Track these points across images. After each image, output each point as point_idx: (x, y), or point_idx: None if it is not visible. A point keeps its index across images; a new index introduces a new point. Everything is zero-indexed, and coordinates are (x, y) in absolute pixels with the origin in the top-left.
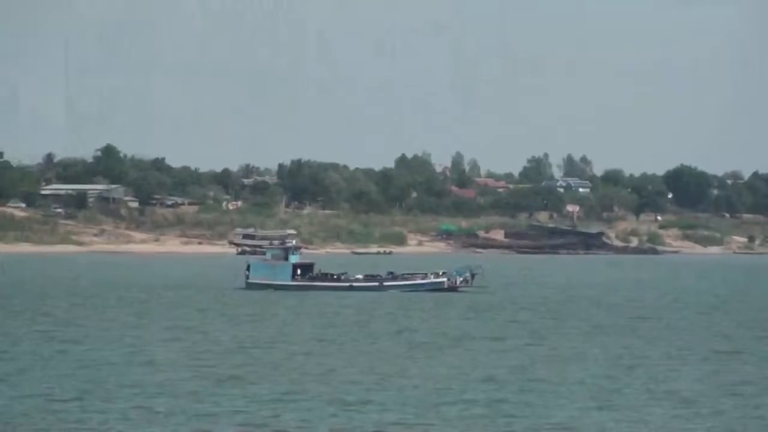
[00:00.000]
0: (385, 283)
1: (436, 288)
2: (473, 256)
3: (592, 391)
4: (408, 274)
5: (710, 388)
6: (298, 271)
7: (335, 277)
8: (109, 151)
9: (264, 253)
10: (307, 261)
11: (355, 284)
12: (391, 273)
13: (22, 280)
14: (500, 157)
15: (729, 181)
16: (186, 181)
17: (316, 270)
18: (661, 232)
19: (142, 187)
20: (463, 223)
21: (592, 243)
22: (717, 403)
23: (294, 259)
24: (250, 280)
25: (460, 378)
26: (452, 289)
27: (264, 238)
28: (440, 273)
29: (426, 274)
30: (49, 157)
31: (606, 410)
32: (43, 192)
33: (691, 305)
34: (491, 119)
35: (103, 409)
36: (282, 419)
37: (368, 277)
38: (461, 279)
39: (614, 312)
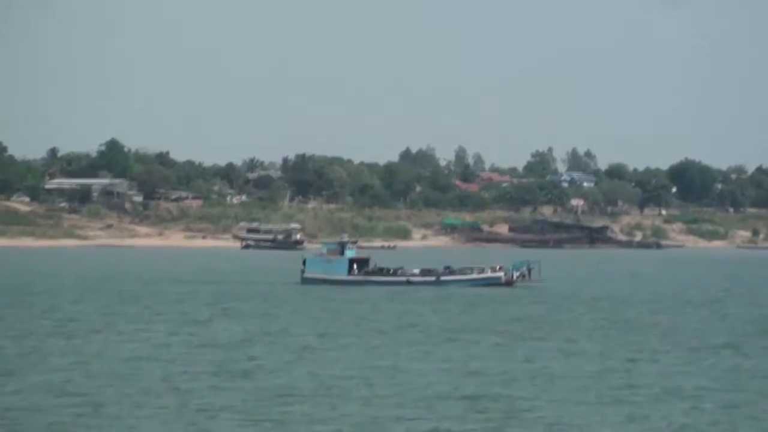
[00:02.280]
0: (443, 278)
1: (493, 283)
2: (478, 249)
3: None
4: (466, 268)
5: None
6: (355, 266)
7: (391, 271)
8: (113, 146)
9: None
10: (363, 256)
11: (412, 279)
12: (448, 268)
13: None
14: (504, 152)
15: (733, 176)
16: (190, 176)
17: (371, 265)
18: (666, 226)
19: (146, 182)
20: (467, 217)
21: (596, 237)
22: None
23: (350, 253)
24: (305, 275)
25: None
26: (509, 284)
27: (268, 232)
28: (497, 268)
29: (483, 268)
30: (53, 151)
31: None
32: (48, 186)
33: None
34: (495, 113)
35: None
36: None
37: (425, 272)
38: (518, 274)
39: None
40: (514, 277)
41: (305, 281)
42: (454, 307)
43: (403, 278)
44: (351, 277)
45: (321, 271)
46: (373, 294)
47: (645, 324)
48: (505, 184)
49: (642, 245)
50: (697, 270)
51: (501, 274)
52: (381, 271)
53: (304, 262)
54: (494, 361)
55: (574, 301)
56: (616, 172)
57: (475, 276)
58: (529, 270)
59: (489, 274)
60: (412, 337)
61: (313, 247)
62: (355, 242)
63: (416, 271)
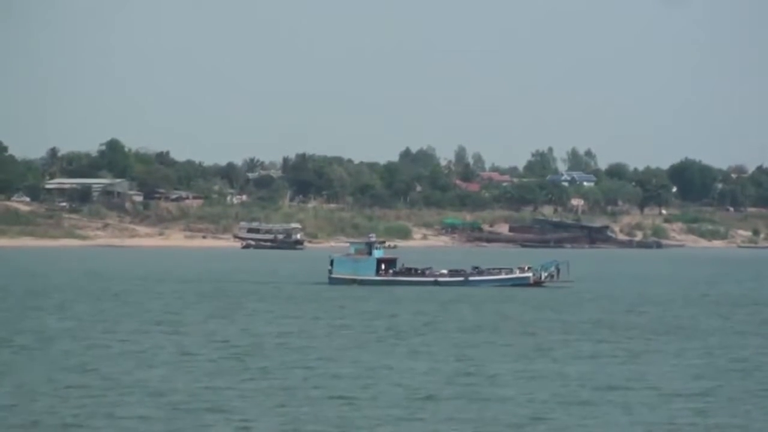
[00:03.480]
0: (471, 278)
1: (522, 283)
2: (478, 249)
3: None
4: (494, 269)
5: None
6: (383, 266)
7: (419, 271)
8: (113, 145)
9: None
10: (391, 256)
11: (440, 279)
12: (476, 268)
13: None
14: (505, 151)
15: (733, 175)
16: (190, 175)
17: (399, 265)
18: (666, 225)
19: (146, 181)
20: (468, 217)
21: (596, 237)
22: None
23: (378, 253)
24: (333, 275)
25: None
26: (537, 284)
27: (268, 232)
28: (526, 268)
29: (511, 269)
30: (54, 151)
31: None
32: (48, 186)
33: None
34: (496, 113)
35: None
36: None
37: (453, 272)
38: (546, 274)
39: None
40: (543, 278)
41: (333, 281)
42: (547, 307)
43: (431, 278)
44: (379, 277)
45: (349, 271)
46: (464, 294)
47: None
48: (505, 184)
49: (642, 245)
50: (716, 269)
51: (529, 274)
52: (409, 271)
53: (331, 263)
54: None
55: (630, 302)
56: (616, 172)
57: (503, 276)
58: (558, 270)
59: (518, 274)
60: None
61: (313, 247)
62: (383, 242)
63: (444, 271)
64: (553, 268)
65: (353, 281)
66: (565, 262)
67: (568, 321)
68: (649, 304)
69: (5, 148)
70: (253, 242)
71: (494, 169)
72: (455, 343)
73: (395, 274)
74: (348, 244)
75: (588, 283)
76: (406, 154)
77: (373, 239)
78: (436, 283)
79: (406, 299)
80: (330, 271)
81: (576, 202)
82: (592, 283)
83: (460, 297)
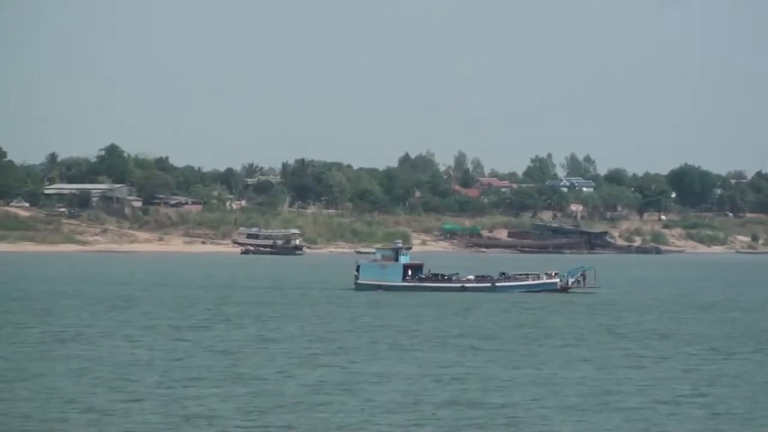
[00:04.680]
0: (498, 284)
1: (549, 289)
2: (478, 255)
3: None
4: (521, 274)
5: None
6: (409, 272)
7: (446, 277)
8: (112, 151)
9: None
10: (417, 261)
11: (467, 285)
12: (503, 274)
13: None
14: (504, 157)
15: (732, 181)
16: (190, 181)
17: (425, 270)
18: (665, 231)
19: (145, 187)
20: (467, 223)
21: (595, 242)
22: None
23: (404, 259)
24: (359, 281)
25: None
26: (564, 290)
27: (268, 237)
28: (553, 274)
29: (538, 275)
30: (53, 156)
31: None
32: (47, 191)
33: None
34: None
35: None
36: None
37: (480, 278)
38: (573, 280)
39: None
40: (570, 283)
41: (359, 287)
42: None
43: (458, 284)
44: (406, 283)
45: (375, 277)
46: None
47: None
48: (504, 190)
49: (641, 250)
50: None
51: (557, 280)
52: (436, 277)
53: (357, 269)
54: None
55: (669, 308)
56: (615, 178)
57: (530, 282)
58: (584, 276)
59: (545, 280)
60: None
61: (312, 253)
62: (409, 248)
63: (471, 277)
64: (579, 274)
65: (380, 287)
66: (591, 268)
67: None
68: (727, 310)
69: (4, 154)
70: (252, 248)
71: (493, 174)
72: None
73: (421, 280)
74: (353, 251)
75: (620, 289)
76: (405, 160)
77: (400, 245)
78: (463, 289)
79: (484, 306)
80: (356, 277)
81: (575, 207)
82: (623, 288)
83: (531, 305)
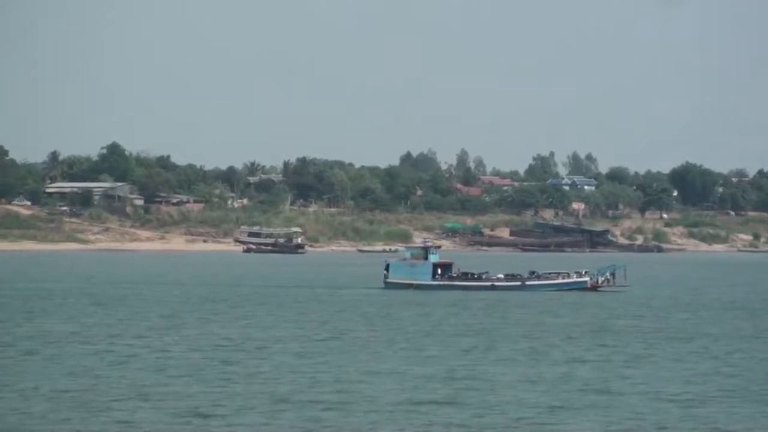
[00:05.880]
0: (528, 283)
1: (579, 287)
2: (479, 253)
3: None
4: (551, 273)
5: None
6: (439, 271)
7: (476, 276)
8: (114, 149)
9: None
10: (447, 260)
11: (497, 284)
12: (534, 272)
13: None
14: (506, 155)
15: (734, 179)
16: (191, 179)
17: (455, 269)
18: (666, 229)
19: (147, 185)
20: (468, 221)
21: (597, 241)
22: None
23: (434, 258)
24: (389, 280)
25: None
26: (594, 288)
27: (269, 236)
28: (583, 272)
29: (568, 273)
30: (54, 154)
31: None
32: (49, 190)
33: None
34: (497, 117)
35: None
36: None
37: (509, 277)
38: (603, 278)
39: None
40: (600, 282)
41: (389, 286)
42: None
43: (488, 283)
44: (435, 282)
45: (405, 276)
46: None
47: None
48: (506, 188)
49: (643, 249)
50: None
51: (587, 278)
52: (465, 276)
53: (387, 267)
54: None
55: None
56: (617, 176)
57: (561, 281)
58: (613, 274)
59: (575, 278)
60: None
61: (314, 251)
62: (439, 247)
63: (501, 275)
64: (608, 273)
65: (409, 286)
66: (621, 267)
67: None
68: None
69: (6, 152)
70: (254, 246)
71: (495, 173)
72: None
73: (451, 278)
74: (355, 249)
75: (650, 289)
76: (407, 158)
77: (430, 244)
78: (492, 287)
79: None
80: (386, 276)
81: (577, 206)
82: (651, 289)
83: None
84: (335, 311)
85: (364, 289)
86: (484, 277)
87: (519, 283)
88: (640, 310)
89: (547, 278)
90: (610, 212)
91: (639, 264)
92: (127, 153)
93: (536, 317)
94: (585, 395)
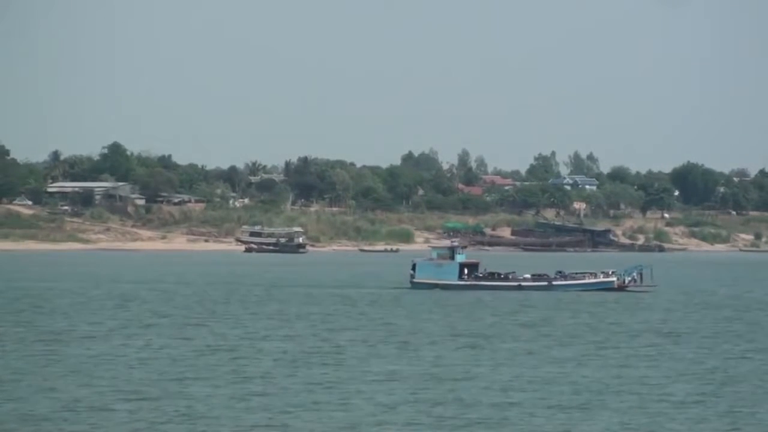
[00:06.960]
0: (554, 283)
1: (606, 287)
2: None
3: None
4: (578, 273)
5: None
6: (465, 271)
7: (502, 276)
8: (115, 149)
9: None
10: (473, 260)
11: (523, 284)
12: (560, 272)
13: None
14: (507, 155)
15: (736, 179)
16: (193, 179)
17: (481, 269)
18: (668, 229)
19: (148, 185)
20: (470, 221)
21: (598, 240)
22: None
23: (460, 258)
24: (415, 280)
25: None
26: (621, 288)
27: (271, 235)
28: (610, 272)
29: (595, 273)
30: (56, 154)
31: None
32: (50, 190)
33: None
34: (498, 116)
35: None
36: None
37: (536, 277)
38: (629, 278)
39: None
40: (626, 282)
41: (415, 285)
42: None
43: (515, 283)
44: (462, 282)
45: (431, 276)
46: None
47: None
48: (507, 188)
49: (644, 248)
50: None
51: (614, 278)
52: (492, 276)
53: (413, 267)
54: None
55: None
56: (618, 175)
57: (587, 281)
58: (640, 275)
59: (602, 278)
60: None
61: (315, 251)
62: (465, 247)
63: (528, 275)
64: (635, 273)
65: (436, 286)
66: (648, 267)
67: None
68: None
69: (7, 152)
70: (255, 246)
71: (497, 172)
72: None
73: (477, 278)
74: (356, 249)
75: (676, 289)
76: (408, 158)
77: (456, 244)
78: (519, 287)
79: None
80: (412, 276)
81: (578, 205)
82: (686, 287)
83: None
84: (421, 318)
85: (393, 289)
86: (510, 277)
87: (546, 283)
88: (713, 312)
89: (573, 278)
90: (612, 212)
91: (654, 264)
92: (128, 152)
93: (612, 316)
94: None
